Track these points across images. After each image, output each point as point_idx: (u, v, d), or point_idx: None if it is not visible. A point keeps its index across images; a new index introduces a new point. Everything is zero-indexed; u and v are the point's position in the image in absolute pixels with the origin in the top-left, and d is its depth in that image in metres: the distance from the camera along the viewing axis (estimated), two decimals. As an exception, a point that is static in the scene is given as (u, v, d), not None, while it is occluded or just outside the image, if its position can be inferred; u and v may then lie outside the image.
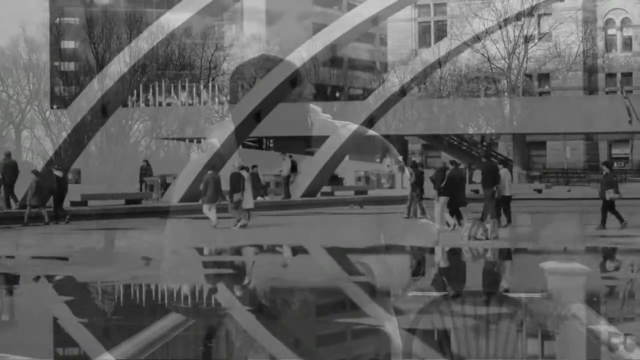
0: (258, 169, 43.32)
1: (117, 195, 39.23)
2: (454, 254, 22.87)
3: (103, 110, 38.25)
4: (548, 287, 16.65)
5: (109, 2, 76.85)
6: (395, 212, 34.32)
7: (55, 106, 70.45)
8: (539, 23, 72.65)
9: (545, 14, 75.39)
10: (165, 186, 42.41)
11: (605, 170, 28.34)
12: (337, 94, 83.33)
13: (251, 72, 73.74)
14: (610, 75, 78.84)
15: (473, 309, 13.98)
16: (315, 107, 59.05)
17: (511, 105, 67.95)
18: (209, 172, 29.27)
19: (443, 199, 26.51)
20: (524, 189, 54.57)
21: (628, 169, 74.23)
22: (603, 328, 12.37)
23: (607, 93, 77.70)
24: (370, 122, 48.86)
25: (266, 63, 69.48)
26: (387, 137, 66.86)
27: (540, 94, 77.15)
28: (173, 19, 41.62)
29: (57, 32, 74.40)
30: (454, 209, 27.01)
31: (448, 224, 26.57)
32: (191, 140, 67.85)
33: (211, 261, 21.86)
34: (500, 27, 64.45)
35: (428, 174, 31.88)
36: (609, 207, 26.97)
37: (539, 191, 52.84)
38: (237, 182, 28.08)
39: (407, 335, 11.98)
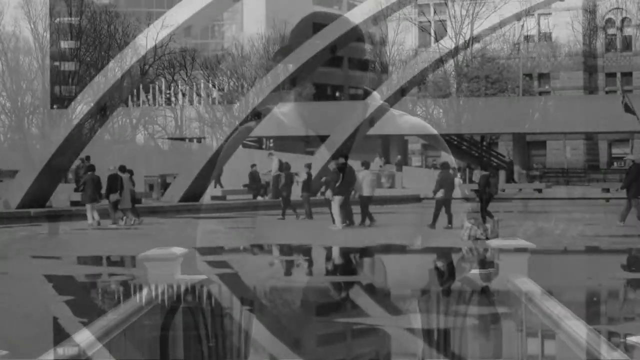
0: (257, 168, 43.49)
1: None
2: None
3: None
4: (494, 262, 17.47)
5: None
6: (391, 212, 34.08)
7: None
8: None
9: (545, 14, 75.45)
10: (165, 186, 42.25)
11: (440, 169, 28.48)
12: (337, 94, 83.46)
13: None
14: (610, 75, 78.84)
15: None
16: (375, 93, 58.70)
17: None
18: (89, 173, 29.81)
19: (338, 199, 26.90)
20: (523, 188, 54.82)
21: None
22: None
23: (607, 93, 77.72)
24: (370, 122, 48.70)
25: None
26: (386, 137, 66.96)
27: (540, 93, 77.14)
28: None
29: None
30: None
31: (336, 223, 26.80)
32: (190, 140, 67.68)
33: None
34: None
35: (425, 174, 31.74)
36: (440, 206, 26.47)
37: (539, 191, 52.99)
38: (114, 183, 28.93)
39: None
